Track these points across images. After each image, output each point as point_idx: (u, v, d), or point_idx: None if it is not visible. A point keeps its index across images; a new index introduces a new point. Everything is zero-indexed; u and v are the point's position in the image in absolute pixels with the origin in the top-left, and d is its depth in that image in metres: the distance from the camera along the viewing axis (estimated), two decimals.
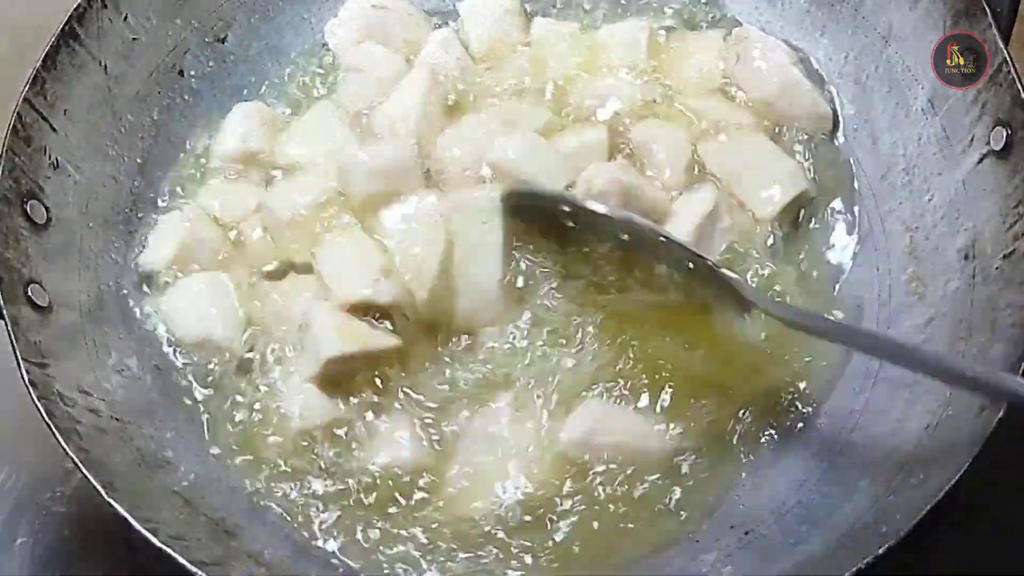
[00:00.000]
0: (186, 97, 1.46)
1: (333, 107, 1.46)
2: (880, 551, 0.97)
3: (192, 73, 1.47)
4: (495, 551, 1.15)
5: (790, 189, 1.35)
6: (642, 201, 1.29)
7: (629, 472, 1.19)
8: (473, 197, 1.28)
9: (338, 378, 1.22)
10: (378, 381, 1.23)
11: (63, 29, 1.27)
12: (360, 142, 1.40)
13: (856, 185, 1.38)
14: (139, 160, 1.38)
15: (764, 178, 1.35)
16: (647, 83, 1.45)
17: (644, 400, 1.21)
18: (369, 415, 1.22)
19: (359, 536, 1.17)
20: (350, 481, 1.19)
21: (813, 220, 1.36)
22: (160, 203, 1.39)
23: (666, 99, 1.43)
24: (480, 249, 1.26)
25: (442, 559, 1.15)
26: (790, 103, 1.42)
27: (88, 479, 1.01)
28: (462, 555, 1.15)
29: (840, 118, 1.43)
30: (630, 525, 1.17)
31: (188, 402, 1.27)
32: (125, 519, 1.00)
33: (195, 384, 1.27)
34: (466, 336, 1.26)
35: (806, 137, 1.40)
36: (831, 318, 1.25)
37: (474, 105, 1.44)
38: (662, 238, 1.21)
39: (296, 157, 1.40)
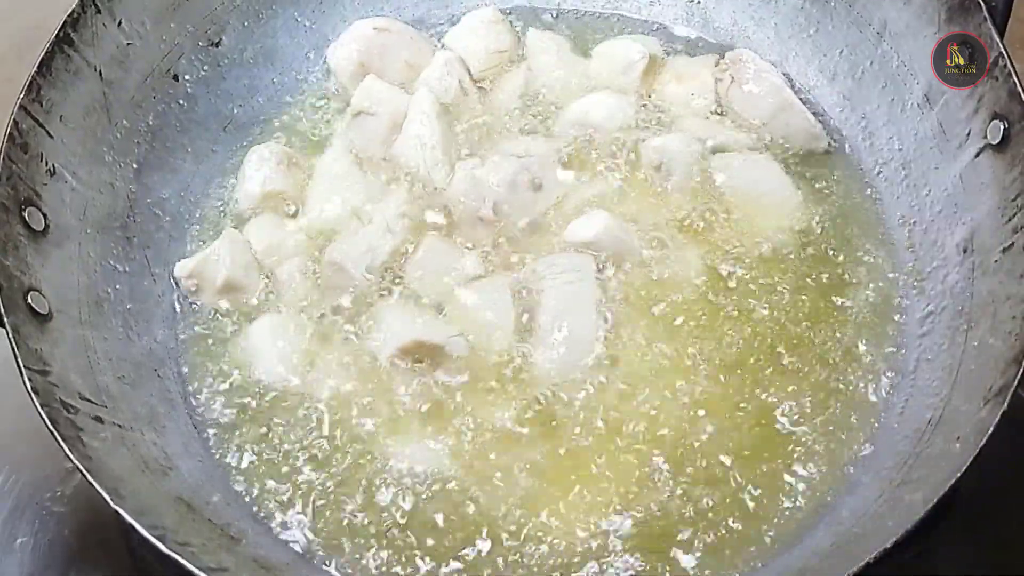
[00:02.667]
0: (181, 102, 1.45)
1: (347, 152, 1.46)
2: (881, 550, 0.97)
3: (187, 77, 1.46)
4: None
5: (792, 220, 1.38)
6: (627, 253, 1.33)
7: None
8: (565, 258, 1.32)
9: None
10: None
11: (58, 35, 1.27)
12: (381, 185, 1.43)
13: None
14: (135, 165, 1.37)
15: (771, 204, 1.39)
16: (643, 105, 1.49)
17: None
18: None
19: (363, 543, 1.17)
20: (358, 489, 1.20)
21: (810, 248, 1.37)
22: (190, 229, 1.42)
23: (664, 121, 1.47)
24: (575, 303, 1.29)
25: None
26: (785, 123, 1.45)
27: (94, 487, 1.01)
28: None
29: (834, 139, 1.46)
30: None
31: (189, 408, 1.27)
32: (126, 520, 1.00)
33: (197, 390, 1.28)
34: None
35: (801, 157, 1.44)
36: None
37: (481, 138, 1.47)
38: None
39: (330, 215, 1.40)
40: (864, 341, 1.28)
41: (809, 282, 1.32)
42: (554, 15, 1.63)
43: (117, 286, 1.29)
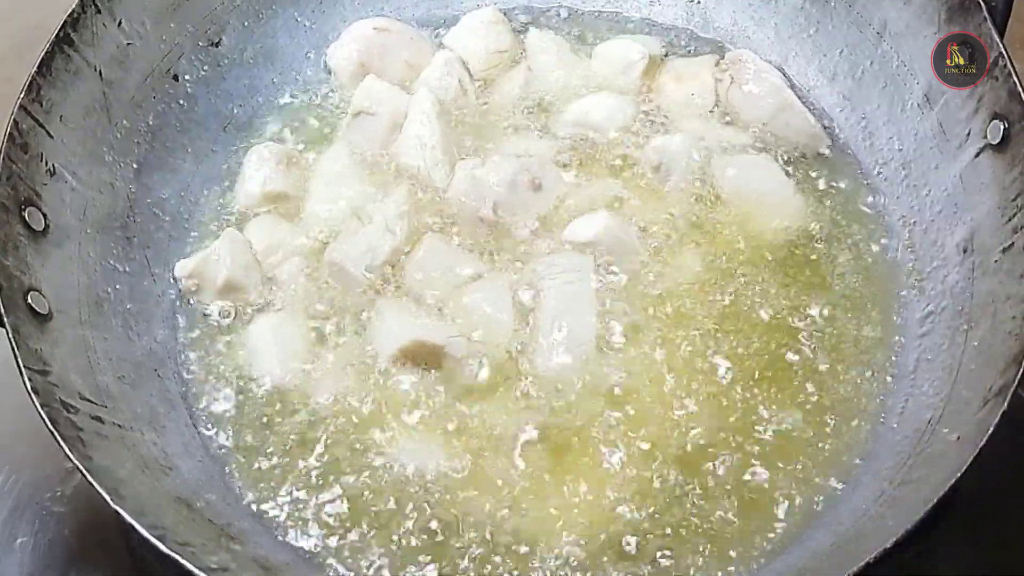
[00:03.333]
0: (181, 102, 1.45)
1: (347, 152, 1.46)
2: (881, 550, 0.97)
3: (187, 77, 1.46)
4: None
5: (791, 220, 1.38)
6: (627, 253, 1.33)
7: None
8: (565, 258, 1.33)
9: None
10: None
11: (58, 35, 1.27)
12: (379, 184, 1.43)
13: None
14: (135, 165, 1.37)
15: (771, 205, 1.39)
16: (643, 106, 1.49)
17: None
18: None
19: (362, 543, 1.17)
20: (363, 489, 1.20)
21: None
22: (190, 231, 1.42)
23: (664, 121, 1.47)
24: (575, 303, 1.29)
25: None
26: (785, 123, 1.45)
27: (94, 487, 1.01)
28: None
29: (834, 139, 1.46)
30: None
31: (189, 408, 1.27)
32: (126, 520, 1.00)
33: (197, 390, 1.28)
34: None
35: (801, 158, 1.44)
36: None
37: (481, 138, 1.48)
38: None
39: (330, 215, 1.41)
40: (864, 341, 1.28)
41: (809, 282, 1.33)
42: (554, 15, 1.63)
43: (117, 286, 1.29)
